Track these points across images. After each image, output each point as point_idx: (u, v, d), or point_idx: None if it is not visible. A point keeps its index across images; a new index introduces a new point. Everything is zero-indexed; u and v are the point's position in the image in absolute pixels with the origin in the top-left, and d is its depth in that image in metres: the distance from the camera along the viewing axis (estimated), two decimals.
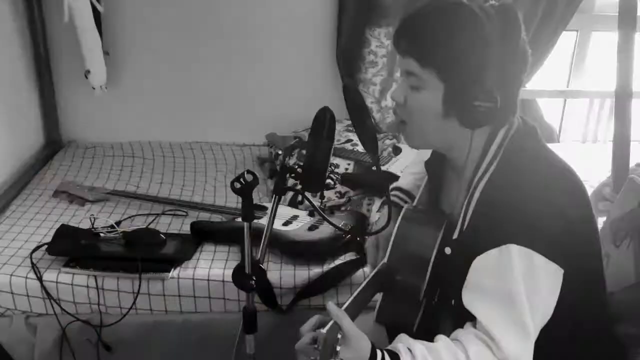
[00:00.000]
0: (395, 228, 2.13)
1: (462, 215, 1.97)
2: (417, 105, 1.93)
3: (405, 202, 2.43)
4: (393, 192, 2.47)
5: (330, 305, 1.75)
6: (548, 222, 1.80)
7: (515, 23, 1.88)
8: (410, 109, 1.95)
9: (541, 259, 1.77)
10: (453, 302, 1.95)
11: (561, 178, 1.93)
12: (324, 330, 1.65)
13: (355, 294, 1.96)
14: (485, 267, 1.83)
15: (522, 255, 1.77)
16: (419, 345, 1.82)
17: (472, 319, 1.87)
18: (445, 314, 2.02)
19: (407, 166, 2.64)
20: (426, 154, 2.30)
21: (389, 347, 1.83)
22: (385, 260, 2.13)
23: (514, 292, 1.77)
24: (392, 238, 2.12)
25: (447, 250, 2.01)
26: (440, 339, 1.87)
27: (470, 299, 1.87)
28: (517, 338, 1.79)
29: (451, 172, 2.15)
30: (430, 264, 2.03)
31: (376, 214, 3.29)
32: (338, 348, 1.63)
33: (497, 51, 1.84)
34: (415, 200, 2.33)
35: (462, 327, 1.91)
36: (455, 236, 1.99)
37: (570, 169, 1.97)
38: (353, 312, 1.83)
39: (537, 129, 2.03)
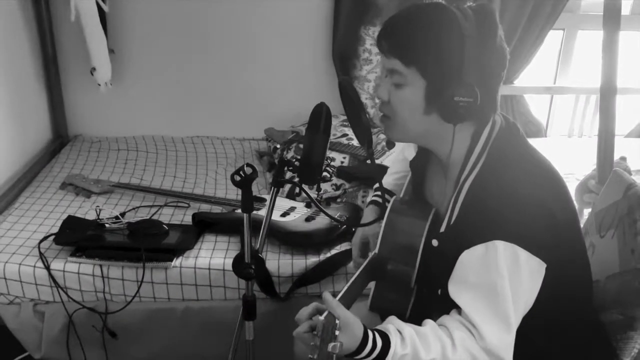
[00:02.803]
0: (384, 220, 2.13)
1: (449, 210, 1.97)
2: (401, 102, 1.94)
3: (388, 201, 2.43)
4: (377, 192, 2.47)
5: (326, 295, 1.77)
6: (532, 218, 1.81)
7: (492, 22, 1.89)
8: (394, 106, 1.95)
9: (525, 254, 1.78)
10: (439, 291, 1.96)
11: (544, 176, 1.93)
12: (322, 318, 1.66)
13: (348, 284, 1.97)
14: (471, 261, 1.84)
15: (507, 250, 1.78)
16: (407, 328, 1.83)
17: (457, 306, 1.88)
18: (435, 301, 2.02)
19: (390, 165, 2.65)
20: (408, 152, 2.32)
21: (379, 327, 1.84)
22: (376, 251, 2.14)
23: (499, 286, 1.78)
24: (382, 229, 2.13)
25: (434, 243, 2.02)
26: (428, 323, 1.88)
27: (455, 290, 1.88)
28: (499, 328, 1.80)
29: (435, 167, 2.16)
30: (419, 253, 2.04)
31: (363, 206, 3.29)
32: (337, 333, 1.63)
33: (476, 49, 1.84)
34: (402, 193, 2.34)
35: (448, 314, 1.92)
36: (442, 229, 2.00)
37: (552, 166, 1.98)
38: (347, 301, 1.85)
39: (519, 127, 2.03)
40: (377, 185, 2.53)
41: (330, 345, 1.61)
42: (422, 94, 1.89)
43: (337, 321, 1.64)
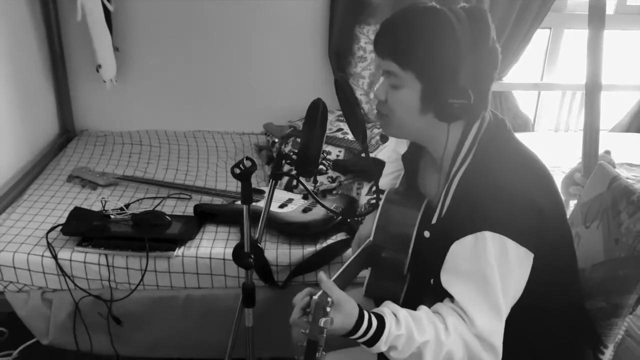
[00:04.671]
0: (379, 209, 2.13)
1: (440, 202, 1.98)
2: (397, 102, 1.94)
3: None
4: (375, 195, 2.48)
5: (321, 275, 1.78)
6: (519, 209, 1.81)
7: (485, 25, 1.88)
8: (391, 106, 1.96)
9: (512, 244, 1.78)
10: (432, 281, 1.96)
11: (530, 168, 1.94)
12: (315, 297, 1.67)
13: (342, 268, 1.99)
14: (461, 251, 1.84)
15: (495, 241, 1.78)
16: (402, 311, 1.83)
17: (450, 296, 1.87)
18: (427, 290, 2.02)
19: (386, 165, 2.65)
20: (400, 149, 2.32)
21: (375, 310, 1.84)
22: (371, 238, 2.14)
23: (488, 275, 1.78)
24: (377, 218, 2.13)
25: (426, 234, 2.02)
26: (422, 308, 1.88)
27: (447, 280, 1.88)
28: (490, 316, 1.80)
29: (427, 160, 2.17)
30: (412, 240, 2.04)
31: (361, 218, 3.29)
32: (328, 309, 1.64)
33: (469, 52, 1.84)
34: (397, 184, 2.34)
35: (440, 302, 1.92)
36: (434, 221, 2.00)
37: (538, 159, 1.98)
38: (341, 284, 1.85)
39: (506, 122, 2.03)
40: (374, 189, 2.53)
41: (322, 320, 1.62)
42: (418, 95, 1.89)
43: (329, 299, 1.66)
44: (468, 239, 1.82)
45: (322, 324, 1.62)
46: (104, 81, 4.18)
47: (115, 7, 4.08)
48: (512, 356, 1.91)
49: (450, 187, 1.95)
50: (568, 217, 2.49)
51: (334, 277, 1.87)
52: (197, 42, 4.45)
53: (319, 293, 1.69)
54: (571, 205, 2.80)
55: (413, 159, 2.22)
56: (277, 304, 2.90)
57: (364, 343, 1.79)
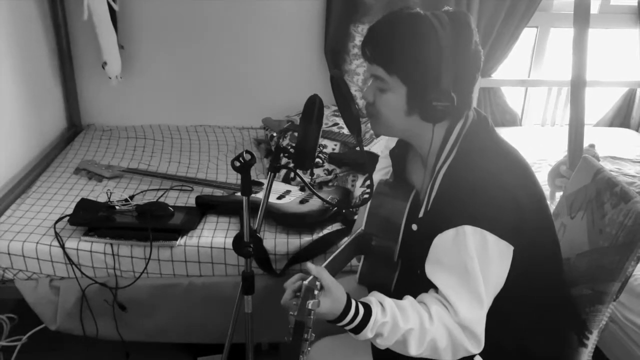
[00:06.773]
0: (370, 200, 2.14)
1: (426, 197, 1.99)
2: (384, 105, 1.96)
3: None
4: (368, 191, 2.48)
5: (309, 265, 1.81)
6: (499, 204, 1.82)
7: (468, 29, 1.89)
8: (378, 107, 1.97)
9: (492, 237, 1.80)
10: (419, 272, 1.96)
11: (510, 164, 1.95)
12: (305, 282, 1.71)
13: (333, 255, 2.02)
14: (443, 244, 1.86)
15: (475, 234, 1.79)
16: (388, 301, 1.85)
17: (434, 286, 1.89)
18: (416, 280, 2.03)
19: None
20: (390, 145, 2.32)
21: (362, 300, 1.86)
22: (362, 228, 2.16)
23: (469, 266, 1.80)
24: (368, 208, 2.15)
25: (414, 227, 2.04)
26: (407, 298, 1.91)
27: (431, 271, 1.90)
28: (472, 305, 1.82)
29: (413, 156, 2.18)
30: (402, 229, 2.06)
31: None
32: (316, 292, 1.68)
33: (452, 56, 1.85)
34: (388, 176, 2.34)
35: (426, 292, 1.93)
36: (420, 215, 2.01)
37: (519, 155, 1.99)
38: (332, 270, 1.86)
39: (488, 120, 2.04)
40: (368, 183, 2.54)
41: (310, 302, 1.65)
42: (404, 98, 1.91)
43: (317, 283, 1.71)
44: (449, 233, 1.84)
45: (309, 306, 1.65)
46: (110, 78, 4.18)
47: (120, 6, 4.09)
48: (499, 342, 1.92)
49: (435, 182, 1.96)
50: (554, 208, 2.51)
51: (324, 264, 1.89)
52: (199, 41, 4.45)
53: (310, 278, 1.73)
54: (557, 196, 2.81)
55: (400, 154, 2.24)
56: (276, 292, 2.86)
57: (352, 330, 1.82)
